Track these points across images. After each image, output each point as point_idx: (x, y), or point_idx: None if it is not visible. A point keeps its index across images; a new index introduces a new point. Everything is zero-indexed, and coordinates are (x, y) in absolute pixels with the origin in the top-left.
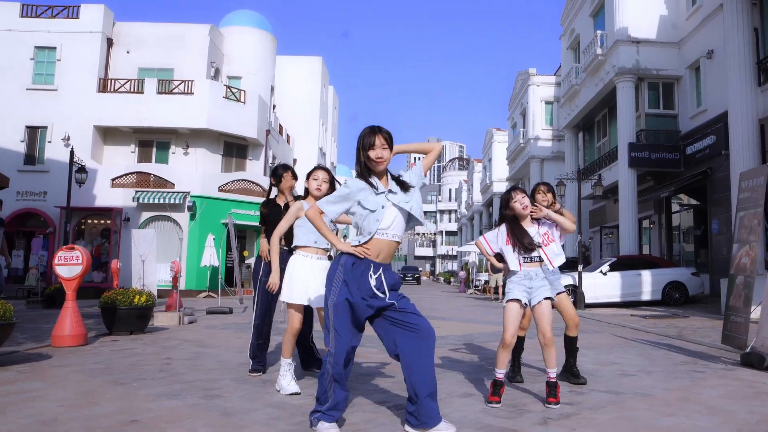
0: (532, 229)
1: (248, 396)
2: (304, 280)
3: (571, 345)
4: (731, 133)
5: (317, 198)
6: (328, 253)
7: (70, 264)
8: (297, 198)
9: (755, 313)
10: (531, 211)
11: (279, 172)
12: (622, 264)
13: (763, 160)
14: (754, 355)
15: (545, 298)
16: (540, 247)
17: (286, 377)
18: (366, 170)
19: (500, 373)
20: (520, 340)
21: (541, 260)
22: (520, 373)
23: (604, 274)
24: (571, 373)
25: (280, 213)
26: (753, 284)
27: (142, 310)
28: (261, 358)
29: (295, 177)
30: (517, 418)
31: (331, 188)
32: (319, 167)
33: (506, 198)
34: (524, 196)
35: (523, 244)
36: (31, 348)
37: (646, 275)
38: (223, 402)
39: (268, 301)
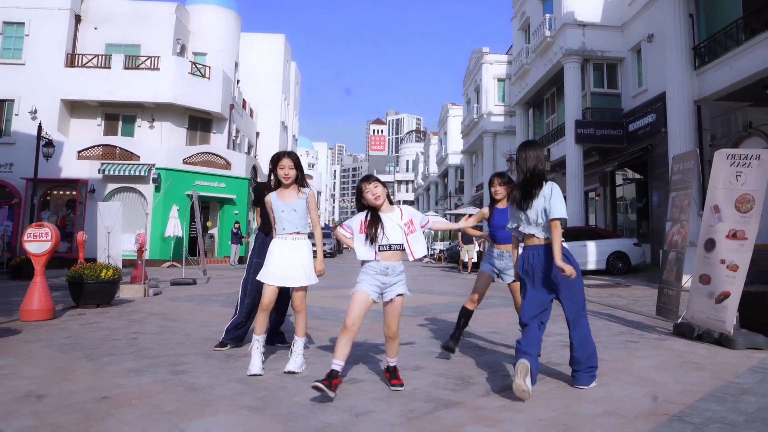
0: (393, 216)
1: (214, 372)
2: (279, 260)
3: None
4: (669, 113)
5: (286, 185)
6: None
7: (39, 240)
8: (262, 185)
9: (688, 283)
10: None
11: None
12: (568, 235)
13: (700, 138)
14: (685, 326)
15: (398, 295)
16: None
17: (253, 357)
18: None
19: (337, 364)
20: (470, 313)
21: (402, 249)
22: (456, 344)
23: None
24: None
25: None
26: (683, 260)
27: (108, 284)
28: (237, 332)
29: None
30: (463, 390)
31: (299, 173)
32: (284, 154)
33: (358, 188)
34: (377, 185)
35: (369, 233)
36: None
37: (591, 246)
38: (190, 378)
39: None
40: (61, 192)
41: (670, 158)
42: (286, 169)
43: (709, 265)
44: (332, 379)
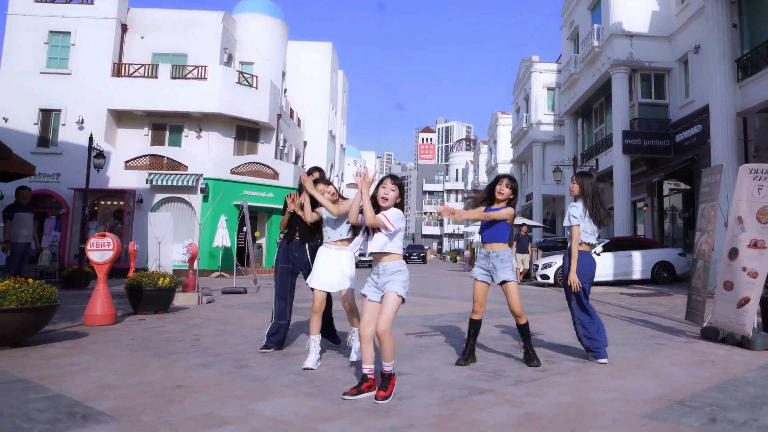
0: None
1: (273, 366)
2: (324, 268)
3: (521, 332)
4: (712, 125)
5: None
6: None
7: (102, 249)
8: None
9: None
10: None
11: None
12: (614, 245)
13: (746, 150)
14: (710, 330)
15: (388, 292)
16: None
17: (310, 353)
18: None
19: (367, 368)
20: (476, 323)
21: (388, 253)
22: (473, 356)
23: (598, 254)
24: (527, 357)
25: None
26: (710, 268)
27: (165, 292)
28: (277, 337)
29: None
30: (494, 381)
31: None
32: (315, 169)
33: (380, 181)
34: (394, 189)
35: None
36: (66, 327)
37: (637, 255)
38: (252, 371)
39: (285, 284)
40: (108, 202)
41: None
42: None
43: (732, 273)
44: (362, 383)
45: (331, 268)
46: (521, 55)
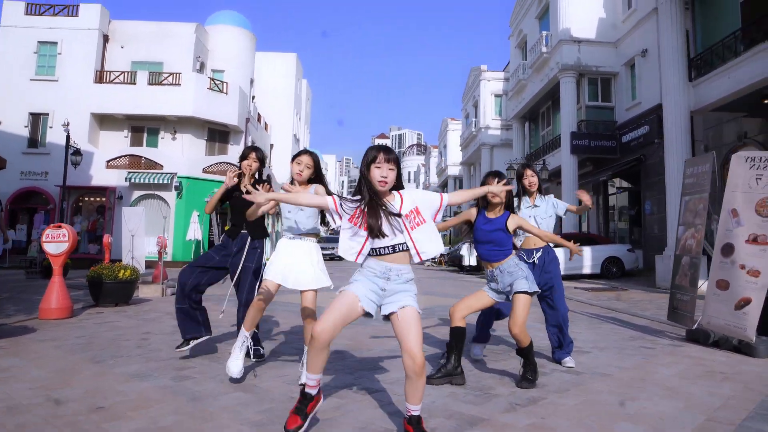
0: (392, 206)
1: (219, 377)
2: (286, 261)
3: (522, 355)
4: (666, 123)
5: (300, 183)
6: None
7: (57, 241)
8: (258, 182)
9: (703, 287)
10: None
11: (245, 152)
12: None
13: (693, 148)
14: (700, 332)
15: (402, 307)
16: (400, 231)
17: (234, 354)
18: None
19: (311, 379)
20: (461, 331)
21: (406, 249)
22: (460, 369)
23: None
24: (522, 378)
25: (242, 200)
26: (699, 264)
27: (126, 284)
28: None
29: (260, 162)
30: (484, 403)
31: (316, 174)
32: (304, 151)
33: (372, 157)
34: (392, 168)
35: (372, 226)
36: (19, 321)
37: (587, 251)
38: (193, 384)
39: (203, 261)
40: (91, 198)
41: (667, 167)
42: (302, 166)
43: (726, 270)
44: (306, 403)
45: (297, 262)
46: (470, 65)
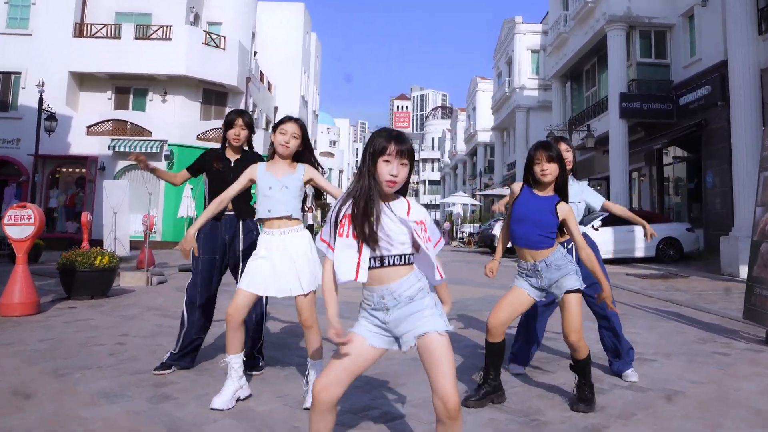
0: (398, 209)
1: (206, 396)
2: (267, 265)
3: (577, 370)
4: (732, 83)
5: (284, 156)
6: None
7: (21, 224)
8: (245, 154)
9: None
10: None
11: (229, 118)
12: (614, 219)
13: (764, 112)
14: None
15: (419, 336)
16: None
17: (226, 384)
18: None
19: None
20: (500, 346)
21: (409, 264)
22: (499, 383)
23: (596, 229)
24: (578, 397)
25: (224, 175)
26: None
27: (104, 273)
28: (185, 360)
29: (249, 128)
30: (525, 426)
31: (303, 145)
32: (289, 118)
33: (381, 147)
34: (405, 164)
35: (362, 232)
36: None
37: (640, 231)
38: (175, 408)
39: (208, 283)
40: (70, 169)
41: (733, 133)
42: (288, 136)
43: None
44: None
45: (279, 263)
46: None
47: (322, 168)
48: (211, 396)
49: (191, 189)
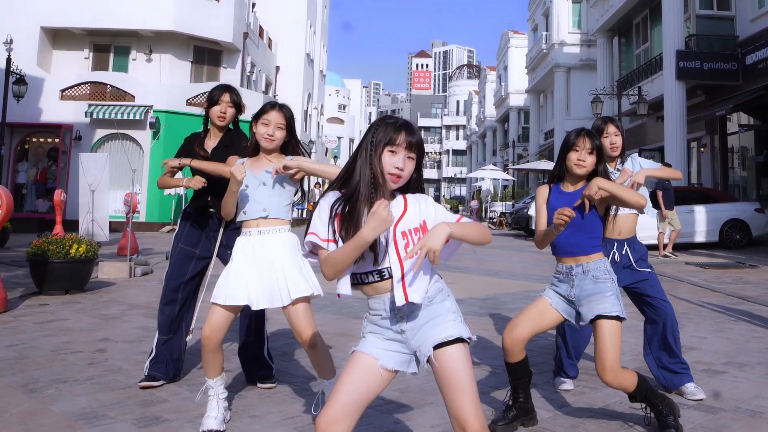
0: (393, 208)
1: (200, 417)
2: (244, 272)
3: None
4: None
5: (268, 151)
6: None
7: None
8: (228, 133)
9: None
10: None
11: (213, 93)
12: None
13: None
14: None
15: (438, 347)
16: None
17: (209, 406)
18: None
19: None
20: (522, 365)
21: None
22: (530, 405)
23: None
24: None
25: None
26: None
27: (80, 264)
28: (165, 359)
29: (236, 107)
30: None
31: (289, 135)
32: (272, 106)
33: (389, 140)
34: (412, 154)
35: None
36: None
37: (701, 211)
38: (166, 429)
39: (181, 276)
40: (41, 139)
41: None
42: (272, 127)
43: None
44: None
45: (257, 270)
46: None
47: (308, 153)
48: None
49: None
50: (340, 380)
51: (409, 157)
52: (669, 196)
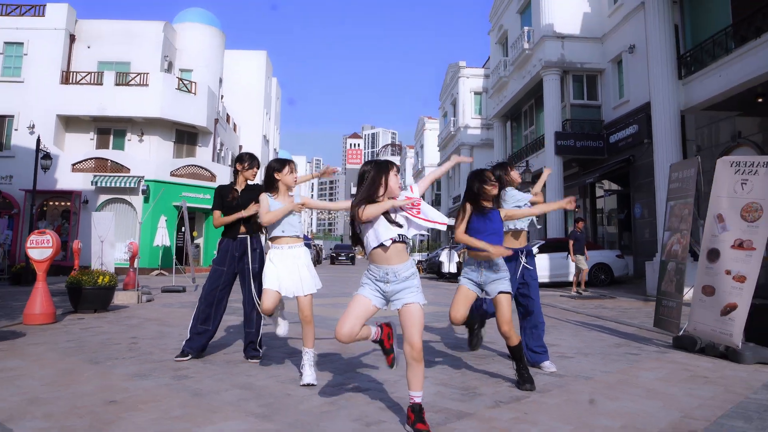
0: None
1: (216, 377)
2: (277, 271)
3: (513, 354)
4: (654, 123)
5: (292, 189)
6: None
7: (41, 247)
8: (249, 185)
9: (688, 295)
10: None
11: (248, 161)
12: (550, 246)
13: (684, 149)
14: (686, 338)
15: (406, 304)
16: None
17: (304, 368)
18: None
19: (374, 331)
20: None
21: (403, 242)
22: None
23: (533, 256)
24: (521, 379)
25: (233, 203)
26: (684, 270)
27: (105, 290)
28: (194, 342)
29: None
30: (470, 401)
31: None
32: (289, 161)
33: (386, 176)
34: (397, 174)
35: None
36: (4, 326)
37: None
38: (193, 383)
39: (215, 289)
40: (56, 203)
41: (656, 169)
42: (296, 174)
43: (712, 276)
44: (382, 343)
45: (287, 270)
46: (447, 61)
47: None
48: (222, 376)
49: (165, 220)
50: (348, 309)
51: (395, 174)
52: (579, 245)
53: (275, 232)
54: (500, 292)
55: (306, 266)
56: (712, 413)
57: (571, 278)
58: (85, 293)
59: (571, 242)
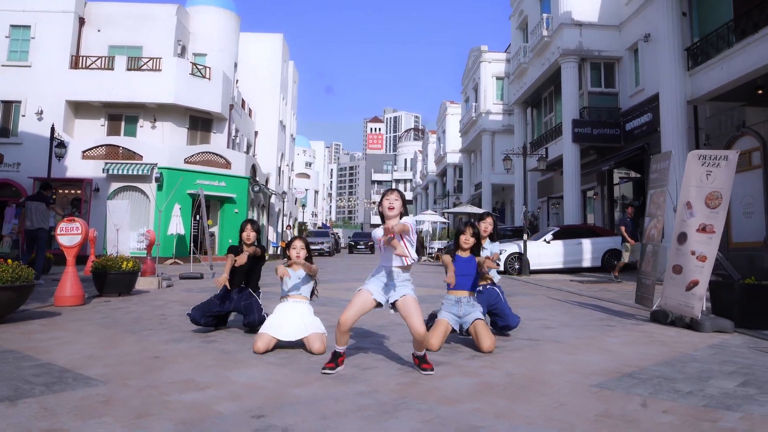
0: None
1: (239, 342)
2: (282, 319)
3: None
4: (662, 114)
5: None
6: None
7: (71, 234)
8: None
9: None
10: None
11: (245, 226)
12: (564, 233)
13: (696, 139)
14: (660, 313)
15: (403, 296)
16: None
17: None
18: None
19: (340, 348)
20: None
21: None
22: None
23: (548, 242)
24: None
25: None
26: (659, 252)
27: (129, 275)
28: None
29: (258, 232)
30: (451, 355)
31: (308, 253)
32: (295, 238)
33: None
34: (397, 198)
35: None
36: (38, 307)
37: (587, 243)
38: (220, 345)
39: (208, 309)
40: (67, 191)
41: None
42: (298, 249)
43: (681, 256)
44: (337, 358)
45: (290, 319)
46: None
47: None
48: (244, 340)
49: (180, 208)
50: (352, 301)
51: (396, 199)
52: (628, 231)
53: (283, 291)
54: (476, 319)
55: (310, 315)
56: (647, 363)
57: (584, 264)
58: (110, 278)
59: (623, 228)
